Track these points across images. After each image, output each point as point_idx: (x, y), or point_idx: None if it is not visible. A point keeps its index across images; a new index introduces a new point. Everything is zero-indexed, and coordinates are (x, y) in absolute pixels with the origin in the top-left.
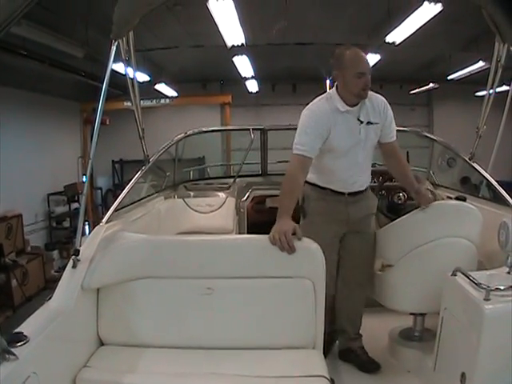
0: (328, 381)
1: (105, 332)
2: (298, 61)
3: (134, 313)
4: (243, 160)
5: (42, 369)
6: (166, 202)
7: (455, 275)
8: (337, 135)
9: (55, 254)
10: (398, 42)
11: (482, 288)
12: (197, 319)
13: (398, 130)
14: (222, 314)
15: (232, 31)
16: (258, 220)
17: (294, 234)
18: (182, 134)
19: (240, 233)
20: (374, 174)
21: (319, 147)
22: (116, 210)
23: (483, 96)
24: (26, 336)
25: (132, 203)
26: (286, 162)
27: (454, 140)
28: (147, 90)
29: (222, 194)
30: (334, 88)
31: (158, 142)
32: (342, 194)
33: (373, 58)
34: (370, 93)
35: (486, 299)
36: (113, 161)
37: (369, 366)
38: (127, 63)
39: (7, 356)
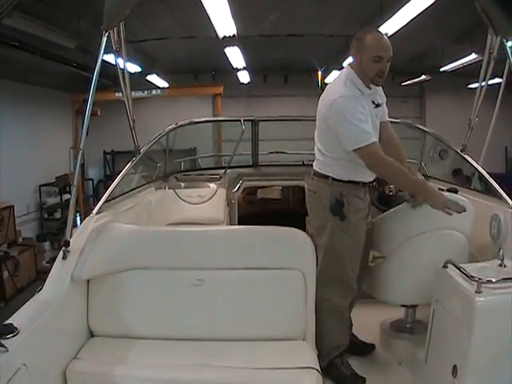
0: (318, 372)
1: (95, 323)
2: (290, 52)
3: (125, 304)
4: (234, 151)
5: (32, 360)
6: (156, 193)
7: (446, 267)
8: (368, 120)
9: (47, 245)
10: (390, 34)
11: (474, 280)
12: (187, 310)
13: (389, 122)
14: (213, 306)
15: (224, 22)
16: (249, 211)
17: None
18: (173, 125)
19: (231, 224)
20: None
21: None
22: (106, 201)
23: (476, 88)
24: (16, 328)
25: (122, 194)
26: (278, 152)
27: (446, 132)
28: (139, 80)
29: (212, 185)
30: (351, 70)
31: (149, 132)
32: (367, 184)
33: None
34: None
35: (478, 291)
36: (104, 152)
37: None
38: (118, 54)
39: None
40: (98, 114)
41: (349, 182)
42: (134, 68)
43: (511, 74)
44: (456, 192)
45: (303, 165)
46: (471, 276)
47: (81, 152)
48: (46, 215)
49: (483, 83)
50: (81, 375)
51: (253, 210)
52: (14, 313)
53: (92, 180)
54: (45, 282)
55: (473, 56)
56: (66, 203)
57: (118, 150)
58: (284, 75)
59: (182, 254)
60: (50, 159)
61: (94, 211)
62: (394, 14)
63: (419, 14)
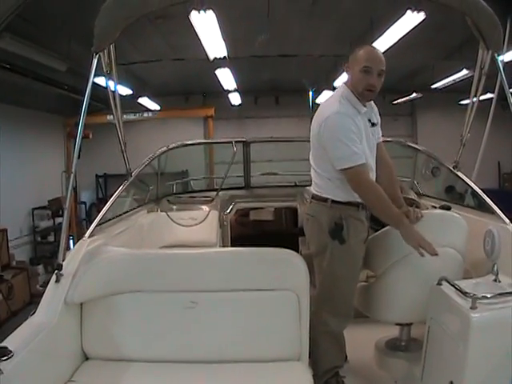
0: None
1: (89, 346)
2: (281, 73)
3: (118, 327)
4: (226, 173)
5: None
6: (148, 216)
7: (441, 284)
8: (363, 140)
9: (40, 268)
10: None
11: (469, 296)
12: (181, 333)
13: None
14: (207, 328)
15: (214, 44)
16: (242, 233)
17: None
18: (165, 148)
19: (224, 246)
20: None
21: None
22: (99, 224)
23: (467, 104)
24: (10, 351)
25: (115, 217)
26: (270, 174)
27: (438, 149)
28: (130, 103)
29: (205, 207)
30: (345, 87)
31: (141, 155)
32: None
33: None
34: None
35: (473, 308)
36: (96, 175)
37: None
38: (109, 76)
39: None
40: (90, 136)
41: (348, 203)
42: (125, 90)
43: (503, 89)
44: (449, 209)
45: (295, 186)
46: (466, 292)
47: (72, 175)
48: (39, 238)
49: (474, 99)
50: None
51: (245, 232)
52: (8, 336)
53: (85, 203)
54: (38, 305)
55: (464, 72)
56: (59, 226)
57: (111, 173)
58: (275, 96)
59: (176, 276)
60: (43, 182)
61: (87, 234)
62: (384, 32)
63: (410, 31)
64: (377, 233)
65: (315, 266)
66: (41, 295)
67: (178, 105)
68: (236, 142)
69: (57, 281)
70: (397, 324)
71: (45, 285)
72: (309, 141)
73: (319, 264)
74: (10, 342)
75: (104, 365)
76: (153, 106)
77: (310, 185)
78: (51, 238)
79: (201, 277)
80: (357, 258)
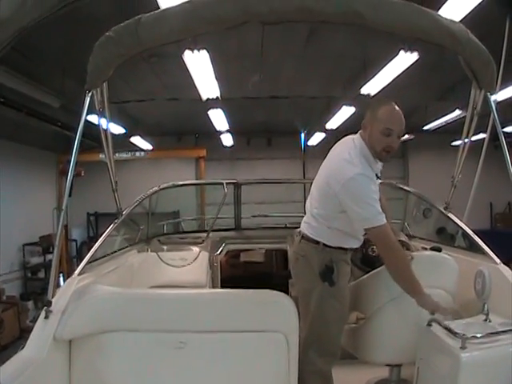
0: None
1: None
2: (273, 114)
3: (107, 365)
4: (217, 214)
5: None
6: (139, 256)
7: (431, 325)
8: None
9: (30, 304)
10: (372, 94)
11: (458, 337)
12: (170, 373)
13: None
14: (195, 369)
15: (207, 84)
16: (232, 274)
17: None
18: (156, 188)
19: (213, 287)
20: None
21: None
22: (89, 262)
23: (459, 147)
24: None
25: (105, 256)
26: (261, 216)
27: (430, 190)
28: (122, 142)
29: (195, 248)
30: (362, 141)
31: (132, 194)
32: (354, 249)
33: (348, 111)
34: None
35: (463, 347)
36: (88, 213)
37: None
38: (101, 114)
39: None
40: (82, 174)
41: (339, 248)
42: (117, 129)
43: (495, 129)
44: (440, 250)
45: (286, 227)
46: (456, 332)
47: (63, 212)
48: (29, 274)
49: (466, 139)
50: None
51: (236, 273)
52: None
53: (75, 241)
54: (27, 340)
55: (457, 112)
56: (50, 263)
57: (102, 212)
58: (267, 138)
59: (165, 316)
60: (34, 219)
61: (77, 272)
62: (377, 73)
63: (403, 72)
64: (367, 275)
65: (301, 305)
66: (30, 330)
67: (170, 145)
68: (227, 183)
69: (46, 317)
70: (386, 365)
71: (35, 320)
72: (301, 182)
73: (307, 304)
74: None
75: None
76: (145, 145)
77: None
78: (41, 275)
79: (190, 317)
80: (345, 300)
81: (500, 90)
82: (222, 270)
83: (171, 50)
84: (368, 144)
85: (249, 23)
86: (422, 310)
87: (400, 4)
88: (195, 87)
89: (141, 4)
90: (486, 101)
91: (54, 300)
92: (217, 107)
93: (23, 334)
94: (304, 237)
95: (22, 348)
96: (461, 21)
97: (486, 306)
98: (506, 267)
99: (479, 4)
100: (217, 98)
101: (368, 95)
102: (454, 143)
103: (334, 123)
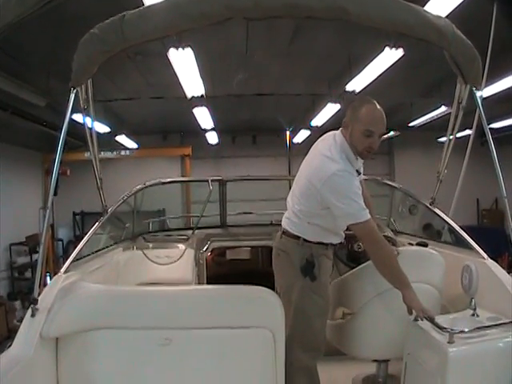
0: None
1: (65, 381)
2: (258, 112)
3: (94, 363)
4: (202, 211)
5: None
6: (124, 254)
7: (417, 320)
8: None
9: (17, 304)
10: (358, 91)
11: (446, 331)
12: (156, 370)
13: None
14: (181, 365)
15: (192, 82)
16: (219, 272)
17: None
18: (141, 185)
19: (199, 284)
20: None
21: None
22: (74, 260)
23: (445, 142)
24: None
25: (91, 254)
26: (246, 213)
27: (416, 187)
28: (108, 141)
29: (180, 246)
30: (343, 139)
31: (118, 194)
32: (334, 245)
33: (333, 108)
34: None
35: (450, 342)
36: (74, 212)
37: None
38: (86, 112)
39: None
40: (68, 173)
41: (319, 243)
42: (102, 128)
43: (482, 125)
44: (426, 246)
45: (271, 224)
46: (443, 327)
47: (48, 211)
48: (16, 274)
49: (452, 134)
50: None
51: (222, 271)
52: None
53: (62, 240)
54: (14, 339)
55: (442, 109)
56: (37, 263)
57: (88, 211)
58: (252, 135)
59: (151, 313)
60: (20, 218)
61: (62, 270)
62: (362, 70)
63: (388, 69)
64: (352, 270)
65: (283, 301)
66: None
67: (155, 143)
68: (212, 180)
69: (32, 315)
70: (374, 361)
71: (21, 319)
72: (286, 179)
73: (288, 300)
74: None
75: None
76: (130, 144)
77: None
78: (28, 274)
79: (176, 314)
80: (327, 295)
81: (486, 86)
82: (208, 267)
83: (156, 48)
84: (349, 142)
85: (233, 20)
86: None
87: None
88: (180, 85)
89: (126, 2)
90: (472, 96)
91: (40, 298)
92: (202, 105)
93: (11, 333)
94: (285, 232)
95: (9, 347)
96: (447, 16)
97: (473, 300)
98: (493, 262)
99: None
100: (202, 96)
101: (353, 92)
102: (440, 140)
103: (319, 120)
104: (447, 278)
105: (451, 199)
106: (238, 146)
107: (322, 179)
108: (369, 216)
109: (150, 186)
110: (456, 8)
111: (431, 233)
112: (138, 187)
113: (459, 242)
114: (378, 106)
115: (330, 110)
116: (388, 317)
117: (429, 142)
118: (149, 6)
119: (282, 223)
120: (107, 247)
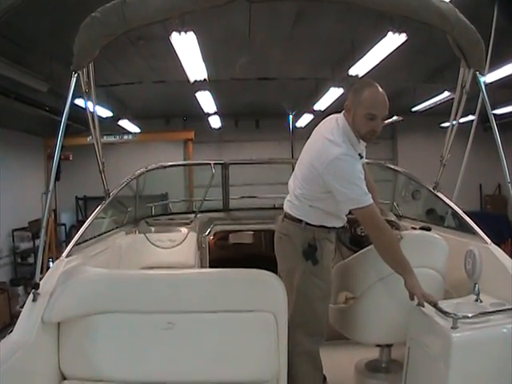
0: None
1: (66, 366)
2: (261, 96)
3: (96, 347)
4: (204, 195)
5: None
6: (127, 237)
7: (420, 306)
8: None
9: (20, 289)
10: (361, 75)
11: (449, 316)
12: (159, 354)
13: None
14: (184, 349)
15: (194, 66)
16: (222, 256)
17: None
18: (143, 169)
19: (202, 268)
20: None
21: None
22: (76, 244)
23: (448, 126)
24: None
25: (93, 238)
26: (249, 197)
27: (419, 172)
28: (110, 125)
29: (183, 229)
30: (345, 122)
31: (121, 178)
32: (336, 229)
33: (336, 93)
34: None
35: (454, 327)
36: (76, 197)
37: None
38: (87, 96)
39: None
40: (71, 158)
41: (321, 226)
42: (105, 113)
43: (485, 110)
44: (429, 230)
45: (274, 208)
46: (446, 312)
47: (49, 194)
48: (19, 260)
49: (455, 118)
50: None
51: (224, 255)
52: None
53: (64, 225)
54: (15, 324)
55: (445, 94)
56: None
57: (91, 196)
58: (255, 120)
59: (153, 297)
60: (23, 204)
61: (64, 254)
62: (365, 55)
63: (391, 53)
64: (355, 254)
65: (285, 285)
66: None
67: (158, 128)
68: (215, 163)
69: (34, 300)
70: (377, 345)
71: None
72: (288, 162)
73: (290, 283)
74: None
75: None
76: (133, 128)
77: None
78: (31, 260)
79: (178, 298)
80: (329, 278)
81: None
82: (211, 251)
83: (159, 33)
84: (351, 126)
85: (236, 2)
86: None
87: None
88: (183, 69)
89: None
90: (475, 81)
91: (41, 282)
92: (204, 89)
93: (14, 319)
94: (287, 216)
95: (11, 332)
96: (450, 1)
97: (476, 286)
98: (496, 247)
99: None
100: (204, 79)
101: (356, 76)
102: (443, 125)
103: (322, 105)
104: (450, 263)
105: (454, 185)
106: (241, 130)
107: (324, 163)
108: (371, 201)
109: (152, 169)
110: None
111: (434, 218)
112: (139, 171)
113: (462, 227)
114: (381, 89)
115: (333, 94)
116: (391, 301)
117: (432, 127)
118: None
119: (284, 207)
120: (109, 231)
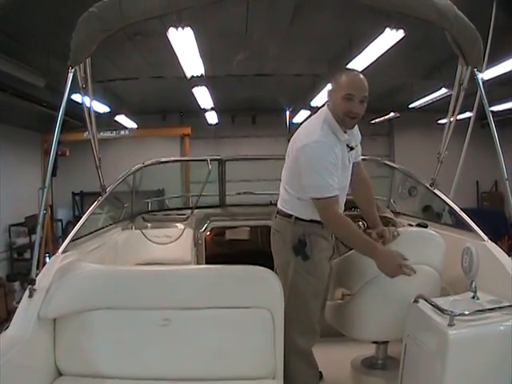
0: None
1: (63, 362)
2: (258, 92)
3: (92, 343)
4: (201, 191)
5: None
6: (123, 233)
7: (418, 302)
8: (339, 168)
9: (17, 285)
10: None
11: (446, 313)
12: (155, 350)
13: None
14: (180, 345)
15: (191, 61)
16: (218, 252)
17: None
18: (140, 165)
19: (198, 264)
20: None
21: None
22: (73, 240)
23: (446, 123)
24: None
25: (89, 234)
26: (246, 193)
27: (415, 168)
28: (107, 121)
29: (179, 225)
30: (328, 111)
31: (117, 174)
32: None
33: None
34: None
35: (450, 324)
36: (73, 193)
37: None
38: (84, 91)
39: None
40: (67, 154)
41: (311, 221)
42: (102, 108)
43: (482, 107)
44: (426, 227)
45: (271, 204)
46: (443, 309)
47: (45, 190)
48: (15, 255)
49: (453, 115)
50: None
51: (221, 251)
52: None
53: (61, 221)
54: (11, 320)
55: (443, 91)
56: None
57: (87, 191)
58: (252, 115)
59: (149, 293)
60: (20, 199)
61: (60, 250)
62: (362, 51)
63: (388, 50)
64: (352, 251)
65: (281, 279)
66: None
67: (155, 123)
68: (211, 159)
69: (30, 296)
70: (373, 342)
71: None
72: (283, 158)
73: (284, 280)
74: None
75: (77, 381)
76: (130, 124)
77: None
78: (28, 255)
79: (175, 294)
80: (321, 275)
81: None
82: (207, 247)
83: (156, 28)
84: (332, 112)
85: None
86: (409, 286)
87: None
88: (180, 65)
89: None
90: (473, 78)
91: (37, 278)
92: (201, 85)
93: (10, 315)
94: (279, 212)
95: (7, 328)
96: None
97: (473, 283)
98: (493, 244)
99: None
100: (201, 75)
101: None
102: (440, 121)
103: (318, 101)
104: (447, 260)
105: (451, 182)
106: (238, 126)
107: (296, 149)
108: (334, 193)
109: (149, 165)
110: None
111: (431, 215)
112: (136, 167)
113: (459, 224)
114: (361, 75)
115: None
116: (388, 298)
117: (429, 124)
118: None
119: (277, 203)
120: (106, 227)
